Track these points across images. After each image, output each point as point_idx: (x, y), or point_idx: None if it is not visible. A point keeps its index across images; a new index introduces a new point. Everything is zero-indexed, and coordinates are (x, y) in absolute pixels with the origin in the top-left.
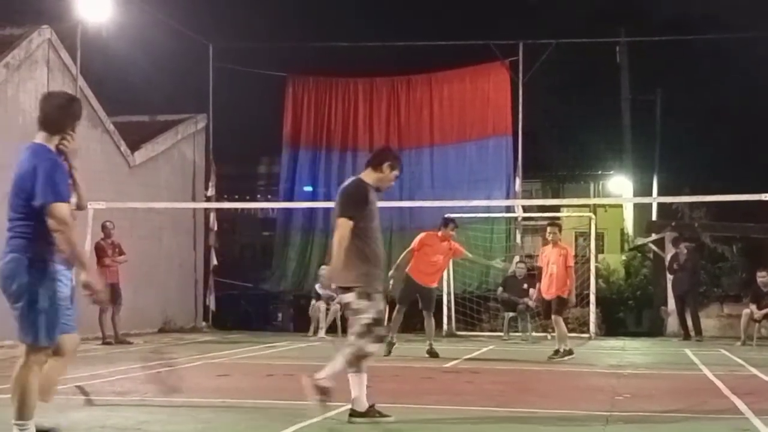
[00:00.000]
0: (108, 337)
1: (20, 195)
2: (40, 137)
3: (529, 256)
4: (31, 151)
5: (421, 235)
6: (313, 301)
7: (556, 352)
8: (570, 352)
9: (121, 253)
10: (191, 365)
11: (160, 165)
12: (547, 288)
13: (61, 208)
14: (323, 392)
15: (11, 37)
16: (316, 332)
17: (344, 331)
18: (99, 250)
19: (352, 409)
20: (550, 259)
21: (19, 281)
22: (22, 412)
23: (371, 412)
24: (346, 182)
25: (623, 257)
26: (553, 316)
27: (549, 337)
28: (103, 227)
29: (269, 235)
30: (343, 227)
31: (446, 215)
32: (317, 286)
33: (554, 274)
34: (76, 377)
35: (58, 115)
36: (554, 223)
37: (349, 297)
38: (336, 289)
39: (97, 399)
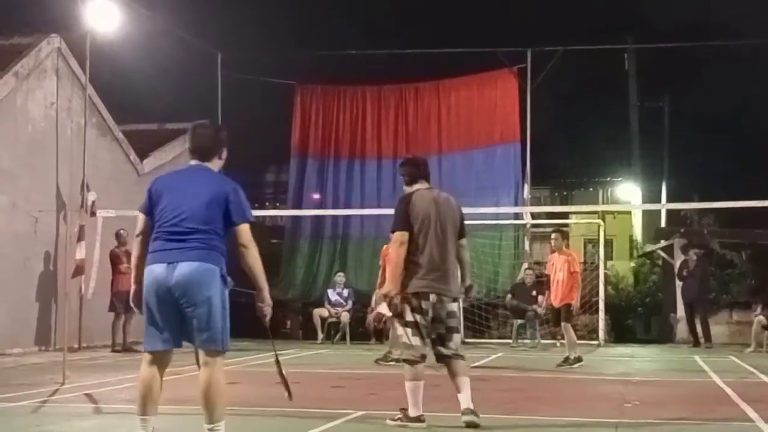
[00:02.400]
0: (117, 345)
1: (215, 211)
2: (214, 165)
3: (538, 263)
4: (216, 174)
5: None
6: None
7: (566, 359)
8: (579, 360)
9: None
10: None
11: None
12: (555, 296)
13: (249, 228)
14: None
15: (20, 46)
16: (333, 339)
17: (352, 339)
18: (114, 258)
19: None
20: (557, 266)
21: (213, 291)
22: (220, 414)
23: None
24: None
25: (632, 264)
26: (562, 324)
27: (558, 344)
28: (118, 235)
29: (277, 242)
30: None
31: None
32: (330, 291)
33: (561, 281)
34: (84, 385)
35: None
36: (558, 230)
37: (455, 306)
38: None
39: (105, 407)
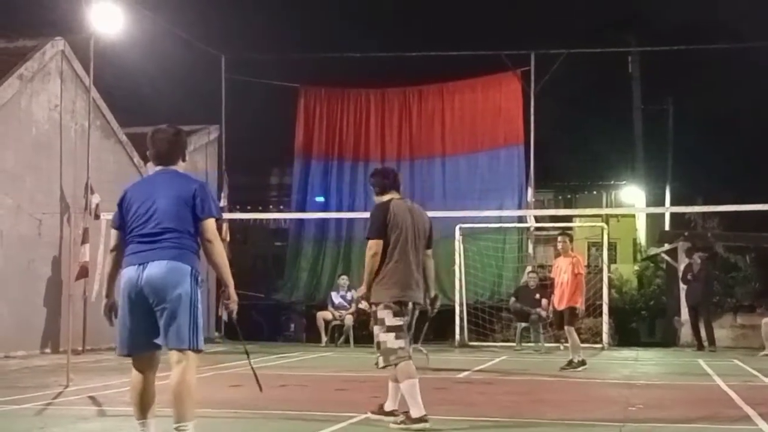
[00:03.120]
0: None
1: (184, 210)
2: (179, 167)
3: (542, 266)
4: (182, 174)
5: None
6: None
7: (569, 362)
8: (583, 363)
9: None
10: (203, 376)
11: None
12: (559, 299)
13: (213, 224)
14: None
15: (24, 48)
16: (336, 342)
17: (356, 341)
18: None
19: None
20: (561, 269)
21: (184, 290)
22: (188, 414)
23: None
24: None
25: (636, 267)
26: (565, 327)
27: (562, 347)
28: None
29: (281, 245)
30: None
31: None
32: (333, 294)
33: (565, 284)
34: (88, 388)
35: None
36: (564, 233)
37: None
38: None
39: (109, 409)
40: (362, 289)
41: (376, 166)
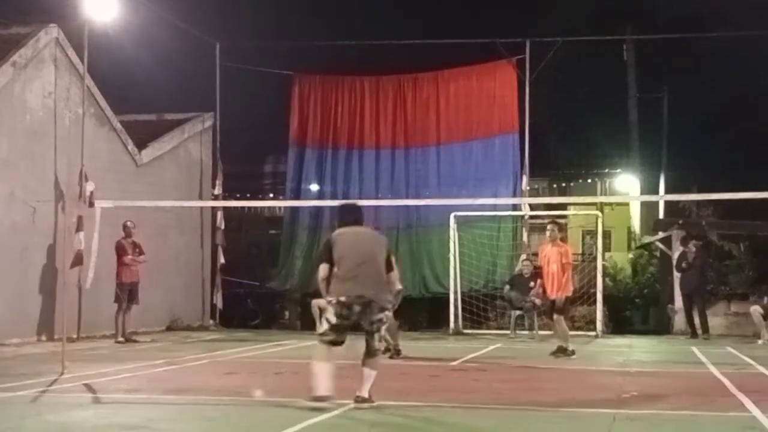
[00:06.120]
0: (121, 337)
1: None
2: None
3: (536, 255)
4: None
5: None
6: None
7: (563, 350)
8: (573, 353)
9: (141, 252)
10: (198, 363)
11: (167, 164)
12: (550, 288)
13: None
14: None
15: (18, 35)
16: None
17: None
18: (119, 249)
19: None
20: (550, 258)
21: None
22: None
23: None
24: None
25: (630, 255)
26: (555, 316)
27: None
28: (124, 227)
29: (276, 233)
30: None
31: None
32: None
33: (555, 273)
34: (83, 375)
35: None
36: (554, 221)
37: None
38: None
39: (104, 397)
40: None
41: (370, 153)
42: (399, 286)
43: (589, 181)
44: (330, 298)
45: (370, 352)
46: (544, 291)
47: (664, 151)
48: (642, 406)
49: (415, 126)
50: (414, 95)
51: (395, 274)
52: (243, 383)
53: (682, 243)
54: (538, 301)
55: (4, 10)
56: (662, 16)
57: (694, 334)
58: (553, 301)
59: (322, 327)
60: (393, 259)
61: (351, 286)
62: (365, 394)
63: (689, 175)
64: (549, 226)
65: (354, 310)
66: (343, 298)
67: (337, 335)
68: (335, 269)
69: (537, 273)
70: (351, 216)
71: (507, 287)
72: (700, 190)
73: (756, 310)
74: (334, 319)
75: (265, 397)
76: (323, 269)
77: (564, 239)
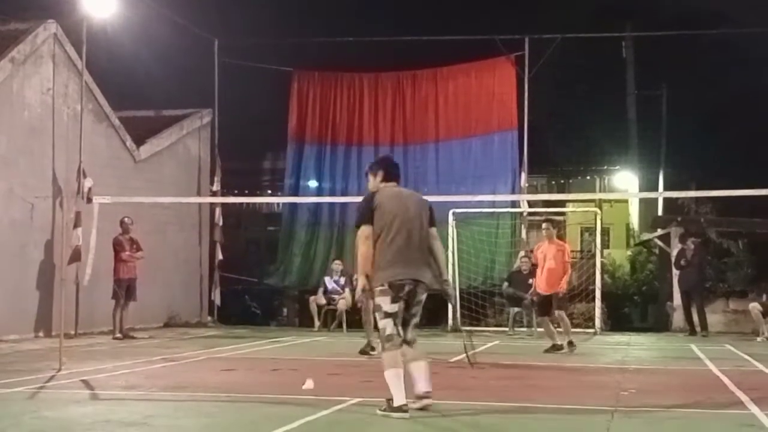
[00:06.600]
0: (119, 333)
1: None
2: None
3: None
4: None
5: None
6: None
7: (559, 346)
8: (561, 348)
9: (139, 249)
10: (196, 360)
11: (166, 160)
12: (546, 284)
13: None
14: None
15: (17, 31)
16: (329, 327)
17: (349, 326)
18: (117, 246)
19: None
20: (547, 254)
21: None
22: None
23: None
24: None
25: (629, 252)
26: (556, 312)
27: (536, 332)
28: (122, 223)
29: (274, 230)
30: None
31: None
32: (327, 279)
33: (552, 269)
34: (81, 371)
35: None
36: (549, 219)
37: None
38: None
39: (102, 393)
40: (361, 282)
41: (369, 150)
42: (441, 254)
43: (588, 178)
44: (379, 286)
45: (408, 342)
46: (535, 288)
47: (662, 149)
48: (640, 403)
49: (414, 123)
50: (413, 92)
51: (435, 231)
52: (241, 380)
53: (681, 240)
54: (537, 298)
55: (2, 5)
56: (661, 13)
57: (692, 332)
58: (549, 297)
59: (386, 330)
60: (434, 217)
61: (402, 270)
62: (430, 388)
63: (688, 172)
64: (544, 225)
65: (405, 290)
66: (394, 280)
67: (402, 329)
68: (378, 241)
69: (535, 270)
70: (396, 171)
71: (505, 284)
72: (698, 187)
73: (755, 307)
74: (392, 307)
75: (263, 393)
76: (366, 231)
77: (561, 237)
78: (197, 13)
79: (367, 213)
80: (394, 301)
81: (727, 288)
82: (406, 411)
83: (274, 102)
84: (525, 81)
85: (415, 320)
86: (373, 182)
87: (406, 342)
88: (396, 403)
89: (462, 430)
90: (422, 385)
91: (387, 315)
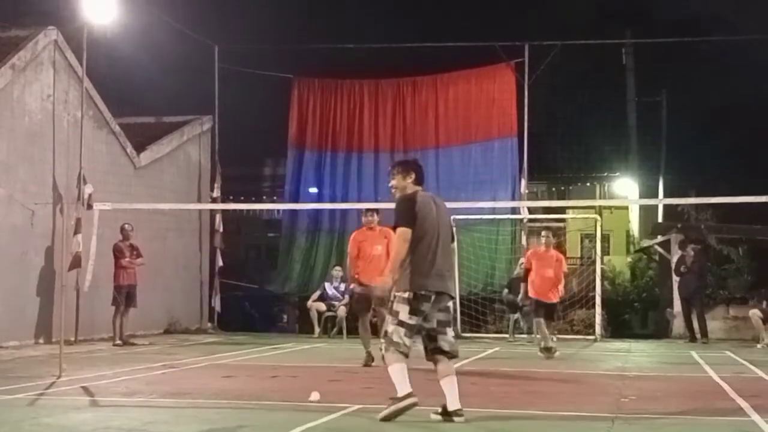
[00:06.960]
0: (119, 340)
1: None
2: None
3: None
4: None
5: (352, 235)
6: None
7: (548, 349)
8: (555, 351)
9: (139, 255)
10: (196, 366)
11: (166, 166)
12: (548, 292)
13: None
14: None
15: (17, 38)
16: (329, 333)
17: (349, 333)
18: (117, 252)
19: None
20: (545, 262)
21: None
22: None
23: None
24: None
25: (629, 259)
26: (543, 320)
27: (554, 339)
28: (122, 229)
29: (274, 236)
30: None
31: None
32: (326, 285)
33: (551, 278)
34: (81, 378)
35: None
36: (548, 227)
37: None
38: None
39: (102, 400)
40: (385, 276)
41: (369, 157)
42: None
43: (588, 184)
44: (404, 293)
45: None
46: (526, 292)
47: (662, 155)
48: (641, 409)
49: (414, 129)
50: (413, 98)
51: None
52: (241, 386)
53: (681, 247)
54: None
55: (2, 12)
56: (661, 19)
57: (692, 338)
58: (550, 305)
59: (393, 337)
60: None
61: (432, 281)
62: (459, 405)
63: (688, 178)
64: (543, 232)
65: (429, 302)
66: (422, 291)
67: (412, 343)
68: (414, 246)
69: (527, 275)
70: (424, 175)
71: (506, 291)
72: (698, 194)
73: (755, 313)
74: (408, 318)
75: (263, 400)
76: (408, 234)
77: (560, 245)
78: (197, 20)
79: (411, 215)
80: (412, 313)
81: (727, 295)
82: (413, 396)
83: (274, 108)
84: (525, 87)
85: (450, 331)
86: (402, 182)
87: (443, 352)
88: (401, 393)
89: None
90: (452, 402)
91: (401, 324)
